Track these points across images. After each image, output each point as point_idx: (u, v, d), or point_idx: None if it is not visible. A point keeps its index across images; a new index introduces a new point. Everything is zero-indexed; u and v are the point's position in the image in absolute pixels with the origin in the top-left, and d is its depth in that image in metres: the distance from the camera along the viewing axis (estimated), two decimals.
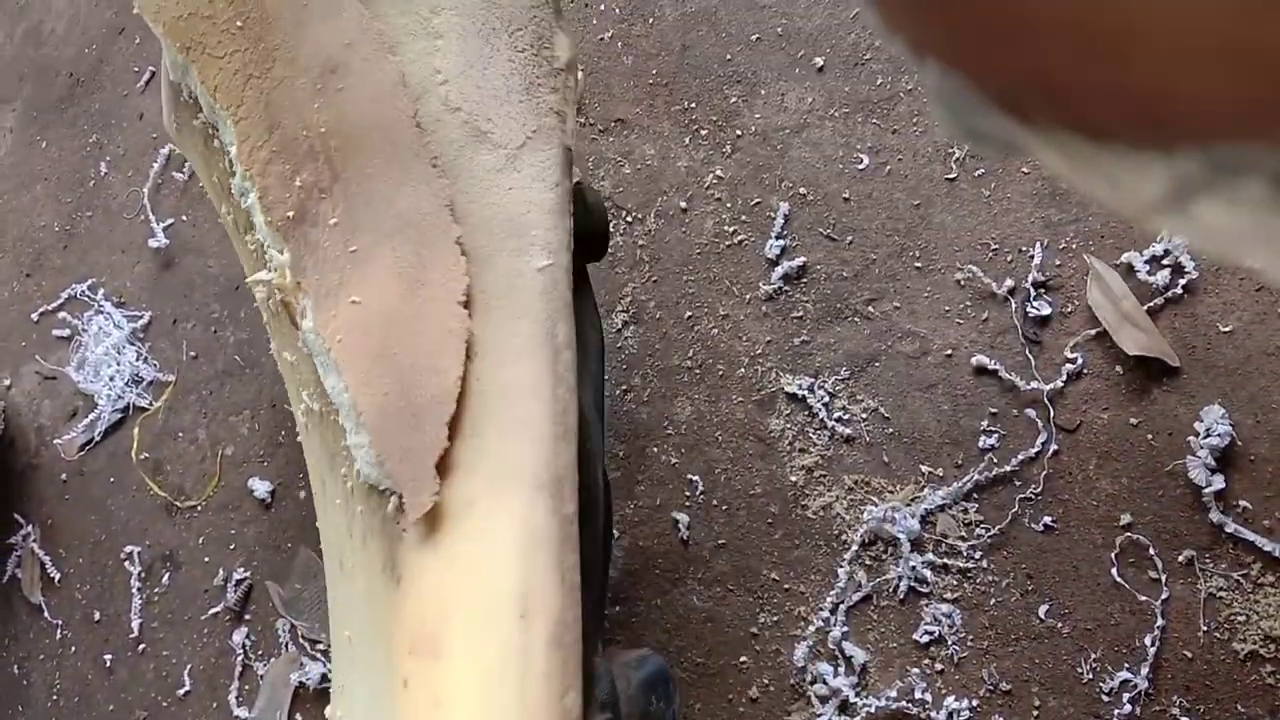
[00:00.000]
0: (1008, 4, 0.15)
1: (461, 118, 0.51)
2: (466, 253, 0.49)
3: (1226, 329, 0.69)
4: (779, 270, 0.83)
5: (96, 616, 1.11)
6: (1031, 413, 0.72)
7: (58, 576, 1.15)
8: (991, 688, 0.70)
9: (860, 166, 0.83)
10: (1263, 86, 0.14)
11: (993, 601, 0.71)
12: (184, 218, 1.20)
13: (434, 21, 0.53)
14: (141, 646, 1.06)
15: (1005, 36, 0.16)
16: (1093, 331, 0.72)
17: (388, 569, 0.47)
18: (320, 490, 0.55)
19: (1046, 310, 0.73)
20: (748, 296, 0.84)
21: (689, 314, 0.86)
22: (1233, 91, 0.14)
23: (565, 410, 0.47)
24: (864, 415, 0.78)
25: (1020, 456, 0.72)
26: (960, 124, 0.23)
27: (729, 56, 0.90)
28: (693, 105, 0.91)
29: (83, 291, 1.23)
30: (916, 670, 0.72)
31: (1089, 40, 0.14)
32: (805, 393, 0.79)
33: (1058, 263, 0.74)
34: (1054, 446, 0.71)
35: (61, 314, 1.24)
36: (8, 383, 1.27)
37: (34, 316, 1.27)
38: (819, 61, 0.86)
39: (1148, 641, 0.66)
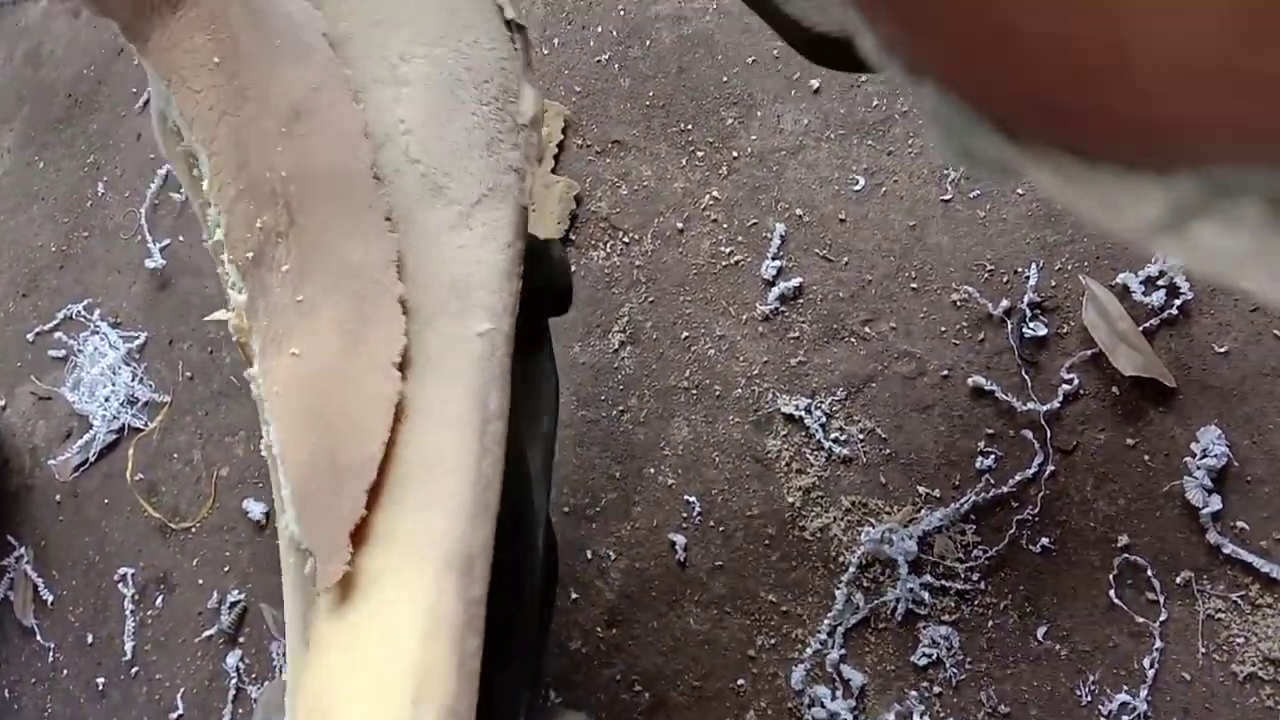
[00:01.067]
0: (1004, 26, 0.15)
1: (420, 170, 0.50)
2: (408, 311, 0.48)
3: (1222, 349, 0.69)
4: (775, 291, 0.83)
5: (89, 639, 1.10)
6: (1028, 434, 0.72)
7: (51, 599, 1.14)
8: (990, 711, 0.69)
9: (856, 188, 0.83)
10: (1259, 109, 0.14)
11: (991, 624, 0.71)
12: (180, 238, 1.20)
13: (401, 69, 0.52)
14: (134, 669, 1.06)
15: (1001, 58, 0.16)
16: (1089, 352, 0.72)
17: (302, 631, 0.47)
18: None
19: (1042, 331, 0.73)
20: (744, 317, 0.84)
21: (686, 335, 0.86)
22: (1229, 114, 0.14)
23: (487, 486, 0.45)
24: (861, 436, 0.78)
25: (1017, 478, 0.72)
26: (956, 146, 0.23)
27: (725, 79, 0.91)
28: (689, 127, 0.91)
29: (79, 312, 1.23)
30: (914, 693, 0.71)
31: (1085, 63, 0.14)
32: (802, 413, 0.79)
33: (1053, 284, 0.75)
34: (1051, 468, 0.71)
35: (57, 334, 1.24)
36: (2, 403, 1.26)
37: (29, 337, 1.27)
38: (815, 84, 0.87)
39: (1146, 664, 0.66)
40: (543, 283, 0.58)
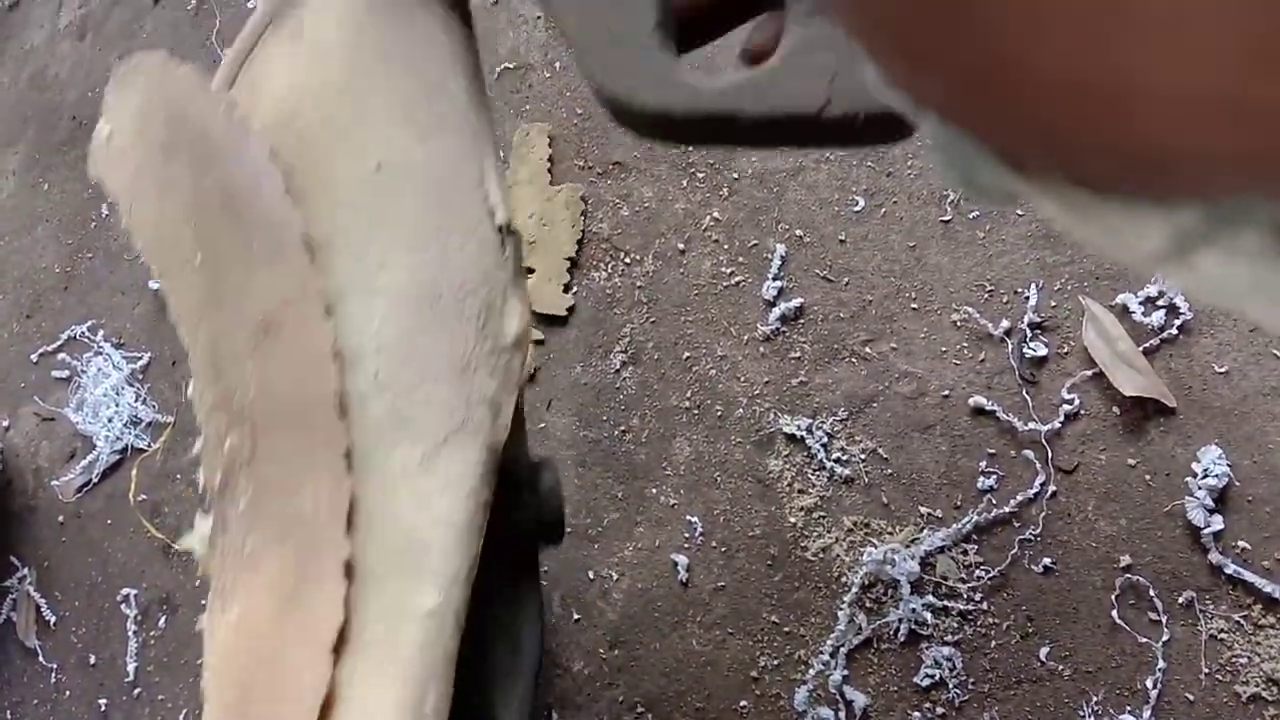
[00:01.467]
0: (1006, 61, 0.15)
1: (388, 399, 0.46)
2: (352, 575, 0.44)
3: (1222, 369, 0.69)
4: (776, 311, 0.83)
5: (92, 660, 1.10)
6: (1029, 454, 0.73)
7: (54, 619, 1.14)
8: None
9: (856, 209, 0.83)
10: (1261, 141, 0.14)
11: (993, 644, 0.71)
12: None
13: (380, 278, 0.48)
14: (137, 691, 1.05)
15: (1003, 92, 0.16)
16: (1089, 372, 0.72)
17: None
18: None
19: (1043, 351, 0.74)
20: (745, 337, 0.84)
21: (687, 355, 0.86)
22: (1232, 146, 0.14)
23: None
24: (862, 456, 0.78)
25: (1019, 498, 0.72)
26: (959, 174, 0.24)
27: None
28: (689, 149, 0.92)
29: (82, 333, 1.23)
30: (917, 714, 0.71)
31: (1087, 96, 0.15)
32: (803, 433, 0.80)
33: (1053, 304, 0.75)
34: (1052, 488, 0.71)
35: (61, 355, 1.24)
36: (6, 424, 1.27)
37: (33, 357, 1.27)
38: None
39: (1149, 684, 0.66)
40: (532, 514, 0.54)
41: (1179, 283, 0.18)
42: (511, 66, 1.05)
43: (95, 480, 1.15)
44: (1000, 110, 0.17)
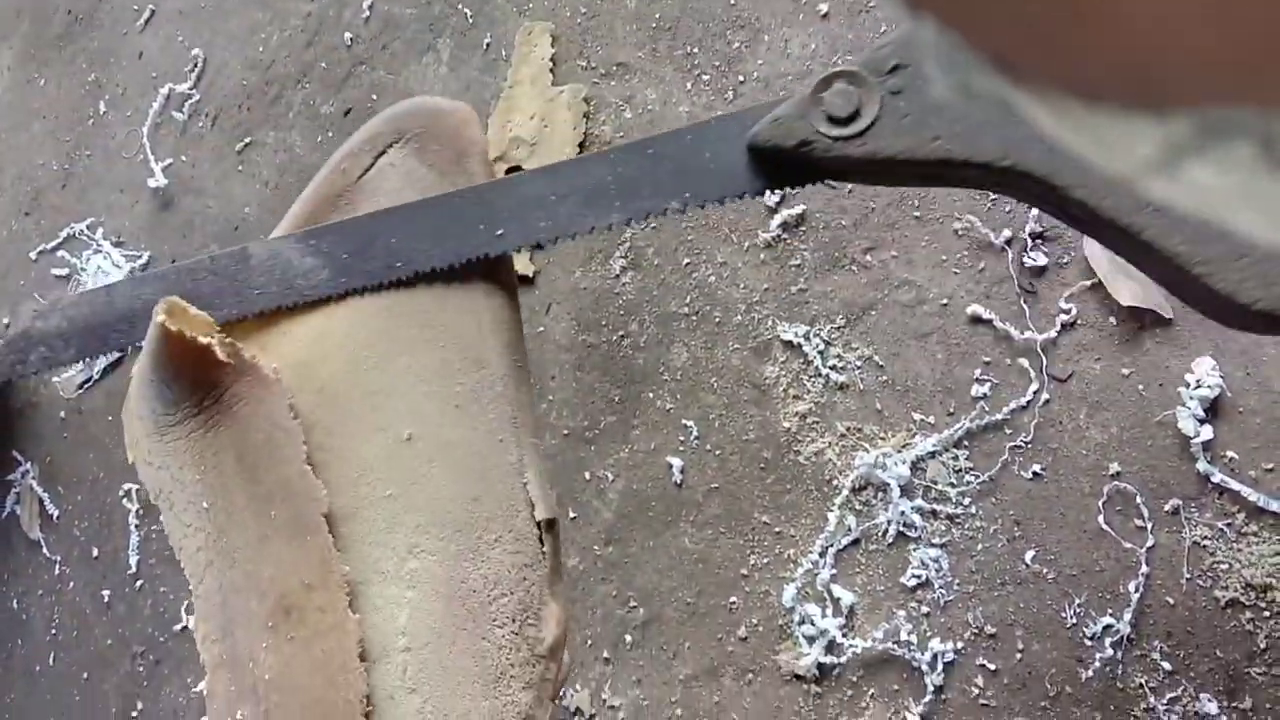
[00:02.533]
0: None
1: (417, 703, 0.43)
2: None
3: None
4: (778, 218, 0.83)
5: (95, 553, 1.12)
6: (1024, 362, 0.73)
7: (56, 513, 1.16)
8: (976, 631, 0.71)
9: None
10: (1249, 48, 0.14)
11: (980, 547, 0.72)
12: (183, 158, 1.19)
13: (409, 565, 0.45)
14: (139, 583, 1.08)
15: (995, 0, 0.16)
16: (1088, 282, 0.72)
17: None
18: None
19: (1043, 261, 0.74)
20: (746, 244, 0.84)
21: (687, 261, 0.86)
22: (1220, 53, 0.14)
23: None
24: (858, 363, 0.78)
25: (1012, 405, 0.72)
26: (955, 81, 0.24)
27: (733, 2, 0.90)
28: (695, 50, 0.90)
29: (81, 231, 1.23)
30: (903, 613, 0.73)
31: (1076, 3, 0.15)
32: (801, 340, 0.80)
33: None
34: (1045, 396, 0.72)
35: (60, 253, 1.24)
36: (5, 321, 1.27)
37: (32, 255, 1.27)
38: (823, 8, 0.86)
39: (1131, 588, 0.67)
40: None
41: (1169, 196, 0.19)
42: None
43: (96, 377, 1.16)
44: (993, 11, 0.16)
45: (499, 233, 0.44)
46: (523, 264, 0.93)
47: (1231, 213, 0.18)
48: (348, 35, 1.11)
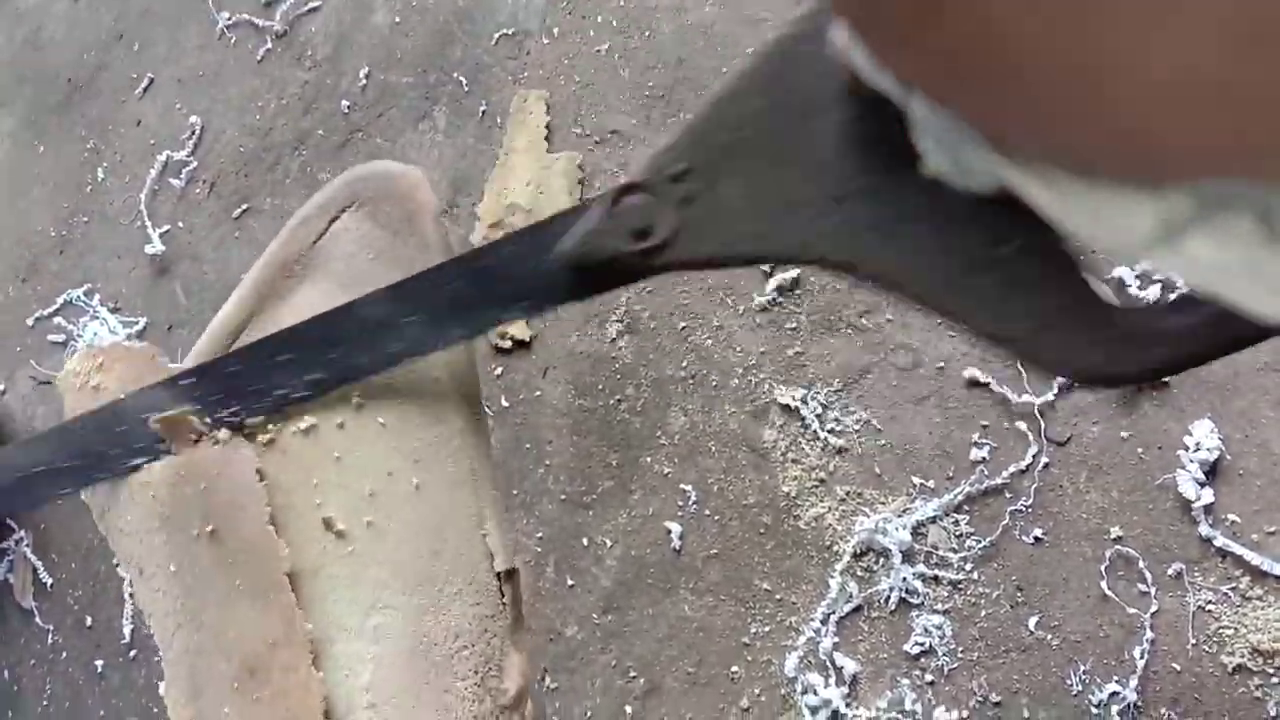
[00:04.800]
0: (995, 44, 0.15)
1: None
2: None
3: None
4: (773, 282, 0.83)
5: (88, 622, 1.11)
6: (1023, 425, 0.73)
7: (50, 582, 1.15)
8: (981, 699, 0.70)
9: None
10: (1248, 125, 0.14)
11: (983, 613, 0.71)
12: (180, 224, 1.20)
13: (371, 620, 0.45)
14: (133, 653, 1.06)
15: (990, 74, 0.16)
16: None
17: None
18: None
19: None
20: (742, 308, 0.84)
21: (683, 324, 0.86)
22: (1217, 130, 0.14)
23: None
24: (856, 427, 0.78)
25: (1011, 469, 0.72)
26: (948, 158, 0.24)
27: (725, 69, 0.91)
28: (689, 117, 0.91)
29: (78, 297, 1.23)
30: (907, 681, 0.72)
31: (1075, 78, 0.15)
32: (798, 404, 0.80)
33: None
34: (1045, 459, 0.72)
35: (57, 319, 1.24)
36: (2, 387, 1.27)
37: (29, 321, 1.27)
38: None
39: (1137, 654, 0.67)
40: None
41: (1168, 268, 0.18)
42: (509, 33, 1.04)
43: None
44: (986, 89, 0.16)
45: (351, 361, 0.44)
46: (519, 329, 0.93)
47: (1231, 286, 0.18)
48: (345, 103, 1.13)
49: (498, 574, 0.47)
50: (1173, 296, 0.70)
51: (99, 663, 1.08)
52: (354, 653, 0.44)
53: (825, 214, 0.31)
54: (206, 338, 0.50)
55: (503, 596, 0.47)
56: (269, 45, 1.21)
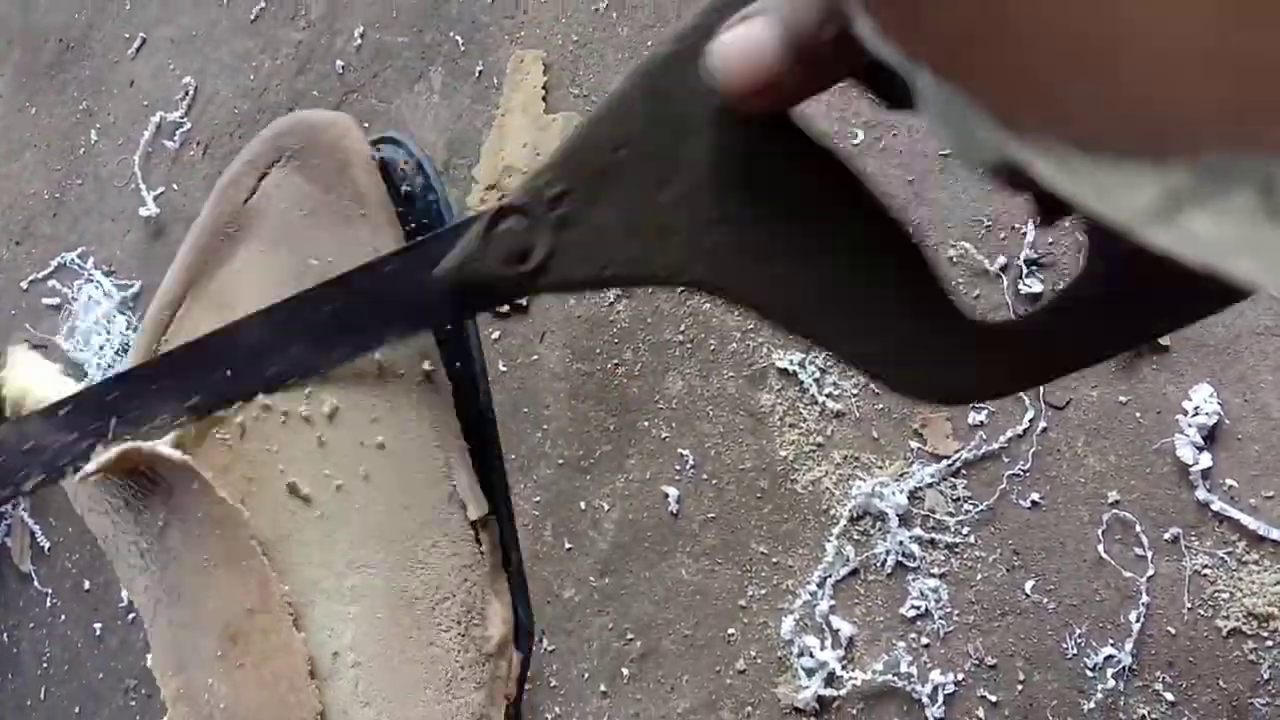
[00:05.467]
0: (995, 14, 0.15)
1: (371, 717, 0.44)
2: None
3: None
4: None
5: (86, 585, 1.11)
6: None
7: (47, 545, 1.15)
8: (977, 662, 0.70)
9: (855, 141, 0.82)
10: (1249, 95, 0.14)
11: (979, 577, 0.71)
12: (175, 186, 1.19)
13: (349, 581, 0.45)
14: (131, 615, 1.07)
15: (994, 47, 0.16)
16: None
17: None
18: None
19: (1038, 288, 0.73)
20: None
21: (681, 289, 0.86)
22: (1219, 100, 0.14)
23: None
24: (854, 391, 0.78)
25: (1009, 433, 0.72)
26: (951, 133, 0.23)
27: None
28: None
29: (72, 260, 1.23)
30: (903, 644, 0.72)
31: (1077, 50, 0.14)
32: (796, 368, 0.79)
33: (1050, 240, 0.74)
34: (1043, 424, 0.72)
35: (51, 282, 1.24)
36: None
37: (23, 285, 1.26)
38: None
39: (1132, 618, 0.67)
40: None
41: (1169, 243, 0.18)
42: None
43: None
44: (991, 63, 0.16)
45: (238, 382, 0.44)
46: None
47: (1233, 261, 0.18)
48: (339, 63, 1.11)
49: (471, 523, 0.47)
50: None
51: (97, 625, 1.09)
52: (334, 613, 0.45)
53: (698, 237, 0.31)
54: (151, 312, 0.49)
55: (479, 545, 0.47)
56: (262, 4, 1.20)
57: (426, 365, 0.48)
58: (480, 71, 1.02)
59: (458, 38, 1.04)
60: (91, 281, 1.20)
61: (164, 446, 0.46)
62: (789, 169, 0.29)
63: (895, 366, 0.30)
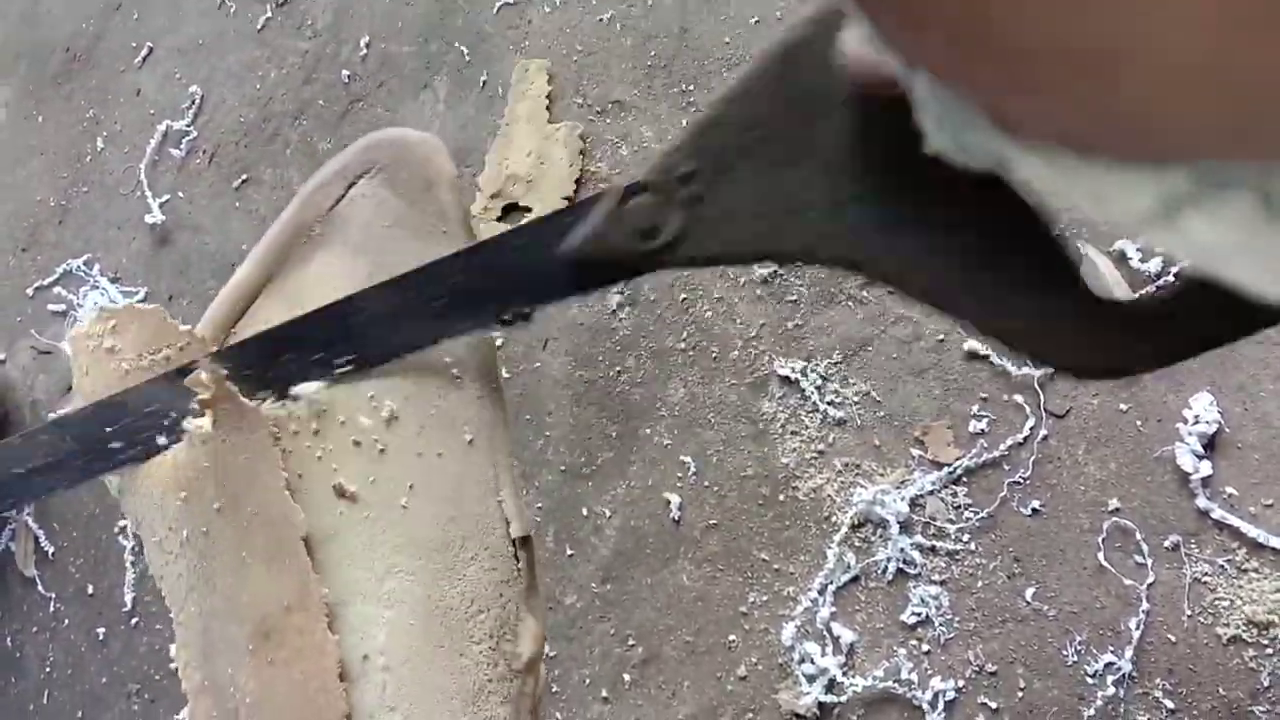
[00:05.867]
0: (996, 23, 0.15)
1: None
2: None
3: None
4: None
5: (90, 590, 1.11)
6: (1021, 398, 0.73)
7: (51, 550, 1.15)
8: (977, 669, 0.70)
9: None
10: (1248, 107, 0.14)
11: (980, 584, 0.72)
12: (180, 194, 1.19)
13: (386, 585, 0.46)
14: (134, 620, 1.07)
15: (993, 54, 0.16)
16: None
17: None
18: None
19: None
20: (742, 280, 0.84)
21: (683, 296, 0.86)
22: (1218, 111, 0.14)
23: None
24: (856, 399, 0.78)
25: (1010, 441, 0.72)
26: (948, 136, 0.24)
27: (728, 39, 0.91)
28: (691, 87, 0.91)
29: (78, 267, 1.23)
30: (903, 651, 0.73)
31: (1077, 62, 0.15)
32: (798, 376, 0.80)
33: None
34: (1043, 431, 0.72)
35: (57, 289, 1.24)
36: (2, 357, 1.27)
37: (29, 291, 1.27)
38: None
39: (1132, 625, 0.67)
40: None
41: (1166, 246, 0.19)
42: (511, 2, 1.04)
43: None
44: (989, 71, 0.16)
45: (351, 355, 0.44)
46: None
47: (1230, 266, 0.18)
48: (345, 73, 1.12)
49: (513, 540, 0.47)
50: (1173, 271, 0.70)
51: (100, 630, 1.09)
52: (368, 616, 0.45)
53: (831, 215, 0.31)
54: (222, 300, 0.50)
55: (518, 562, 0.47)
56: (269, 14, 1.21)
57: (489, 379, 0.49)
58: (485, 81, 1.03)
59: (463, 48, 1.05)
60: (97, 288, 1.20)
61: (247, 401, 0.46)
62: (911, 148, 0.30)
63: (1036, 342, 0.30)
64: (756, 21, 0.90)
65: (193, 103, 1.22)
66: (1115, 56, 0.14)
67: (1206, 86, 0.14)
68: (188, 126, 1.21)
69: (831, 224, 0.31)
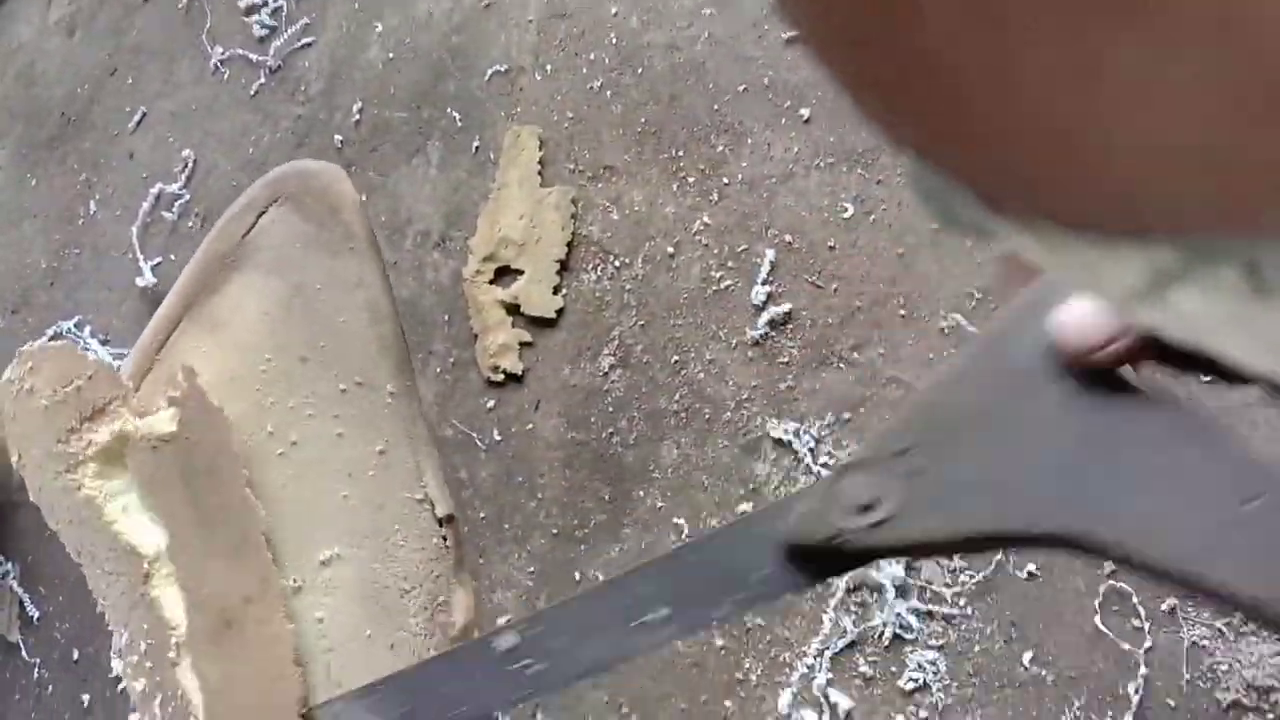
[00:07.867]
0: (980, 104, 0.15)
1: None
2: None
3: (1208, 380, 0.70)
4: (765, 316, 0.84)
5: (75, 656, 1.10)
6: None
7: (37, 615, 1.14)
8: None
9: (845, 215, 0.84)
10: (1235, 186, 0.14)
11: (977, 649, 0.71)
12: (172, 256, 1.20)
13: (325, 573, 0.49)
14: (120, 686, 1.05)
15: (978, 134, 0.16)
16: None
17: None
18: None
19: None
20: (734, 341, 0.85)
21: (676, 358, 0.87)
22: (1209, 192, 0.14)
23: None
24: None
25: None
26: (936, 208, 0.24)
27: (716, 106, 0.92)
28: (680, 153, 0.92)
29: (69, 329, 1.23)
30: (901, 717, 0.72)
31: (1063, 140, 0.15)
32: (791, 438, 0.80)
33: None
34: None
35: None
36: None
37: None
38: (805, 113, 0.88)
39: (1131, 690, 0.67)
40: None
41: (1157, 321, 0.19)
42: (502, 69, 1.05)
43: None
44: (973, 155, 0.17)
45: (559, 673, 0.41)
46: (511, 361, 0.93)
47: (1222, 340, 0.18)
48: (338, 138, 1.13)
49: (438, 520, 0.51)
50: None
51: (85, 696, 1.07)
52: (309, 604, 0.49)
53: (1049, 487, 0.31)
54: (146, 331, 0.55)
55: (445, 540, 0.51)
56: (262, 80, 1.22)
57: (404, 378, 0.53)
58: (477, 146, 1.04)
59: (455, 114, 1.06)
60: (88, 350, 1.20)
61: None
62: (1128, 416, 0.30)
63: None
64: (744, 89, 0.91)
65: (185, 166, 1.23)
66: (1104, 137, 0.14)
67: (1200, 168, 0.14)
68: (180, 189, 1.22)
69: (1049, 495, 0.31)
